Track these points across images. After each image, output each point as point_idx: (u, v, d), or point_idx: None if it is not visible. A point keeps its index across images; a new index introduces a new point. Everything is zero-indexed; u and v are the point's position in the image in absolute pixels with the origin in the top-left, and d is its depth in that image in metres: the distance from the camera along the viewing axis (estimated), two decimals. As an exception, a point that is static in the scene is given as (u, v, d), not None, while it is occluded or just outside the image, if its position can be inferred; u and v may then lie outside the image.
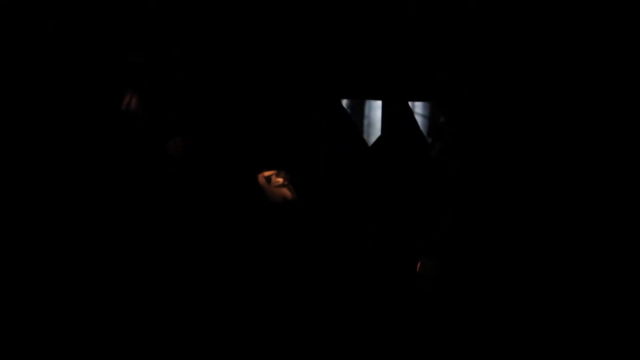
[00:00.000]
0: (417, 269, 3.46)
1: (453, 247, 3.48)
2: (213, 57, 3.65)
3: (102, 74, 3.57)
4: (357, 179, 3.60)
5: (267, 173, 3.58)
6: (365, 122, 3.87)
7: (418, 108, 3.87)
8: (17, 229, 3.43)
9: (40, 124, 3.50)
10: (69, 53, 3.55)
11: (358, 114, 3.90)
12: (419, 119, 3.82)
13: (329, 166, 3.59)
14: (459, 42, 3.70)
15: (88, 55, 3.57)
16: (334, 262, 3.46)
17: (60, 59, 3.54)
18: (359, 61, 3.71)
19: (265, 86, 3.66)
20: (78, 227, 3.45)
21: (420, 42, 3.71)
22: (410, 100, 3.79)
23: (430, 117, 3.88)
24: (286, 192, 3.57)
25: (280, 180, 3.56)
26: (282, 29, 3.69)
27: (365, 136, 3.82)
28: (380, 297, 3.43)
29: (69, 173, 3.49)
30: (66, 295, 3.39)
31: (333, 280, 3.44)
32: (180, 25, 3.64)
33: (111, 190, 3.50)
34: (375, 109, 3.85)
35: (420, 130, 3.77)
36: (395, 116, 3.78)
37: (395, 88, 3.78)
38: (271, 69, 3.68)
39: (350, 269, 3.46)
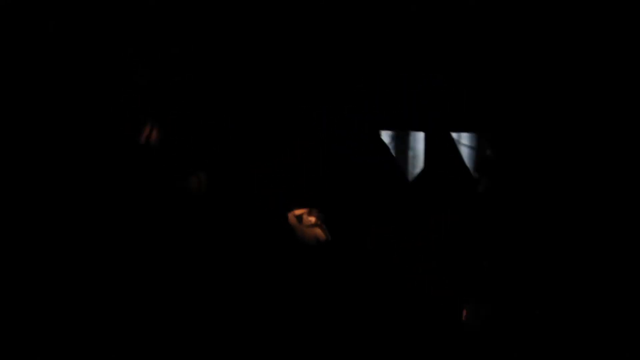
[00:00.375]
0: (464, 317, 3.39)
1: (453, 247, 3.48)
2: (213, 57, 3.65)
3: (102, 74, 3.56)
4: (357, 179, 3.59)
5: (298, 212, 3.45)
6: (410, 153, 3.75)
7: (465, 139, 3.73)
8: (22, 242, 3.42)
9: (40, 125, 3.50)
10: (69, 53, 3.55)
11: (402, 145, 3.78)
12: (465, 151, 3.69)
13: (329, 166, 3.59)
14: (459, 42, 3.70)
15: (88, 56, 3.56)
16: (334, 262, 3.46)
17: (60, 59, 3.54)
18: (356, 61, 3.72)
19: (265, 86, 3.66)
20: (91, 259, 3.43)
21: (420, 42, 3.71)
22: (455, 131, 3.69)
23: (478, 148, 3.73)
24: (319, 232, 3.45)
25: (313, 219, 3.44)
26: (282, 30, 3.69)
27: (410, 169, 3.74)
28: (380, 297, 3.43)
29: (69, 177, 3.48)
30: (66, 300, 3.39)
31: (333, 280, 3.44)
32: (180, 26, 3.64)
33: (124, 222, 3.43)
34: (421, 141, 3.73)
35: (466, 165, 3.65)
36: (440, 149, 3.64)
37: (438, 119, 3.66)
38: (271, 69, 3.68)
39: (350, 269, 3.46)
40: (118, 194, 3.42)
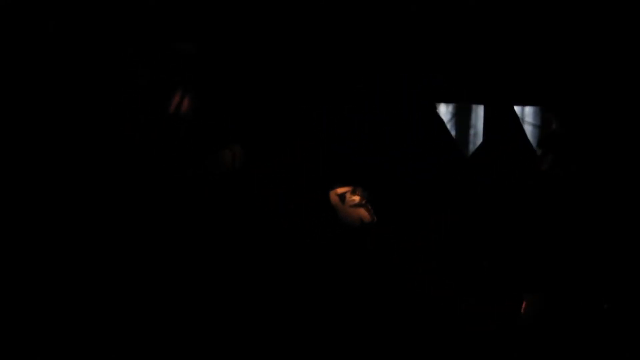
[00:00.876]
0: (522, 310, 3.22)
1: (453, 247, 3.48)
2: (213, 57, 3.65)
3: (102, 74, 3.56)
4: (357, 178, 3.59)
5: (340, 190, 3.29)
6: (472, 132, 3.59)
7: (528, 116, 3.50)
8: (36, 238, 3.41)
9: (41, 125, 3.50)
10: (69, 53, 3.55)
11: (464, 123, 3.62)
12: (528, 129, 3.49)
13: (329, 166, 3.59)
14: (459, 42, 3.70)
15: (88, 56, 3.56)
16: (334, 262, 3.46)
17: (60, 59, 3.54)
18: (356, 61, 3.72)
19: (266, 86, 3.66)
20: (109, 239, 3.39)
21: (420, 42, 3.71)
22: (517, 105, 3.48)
23: (542, 125, 3.51)
24: (363, 212, 3.28)
25: (357, 198, 3.28)
26: (282, 30, 3.69)
27: (471, 146, 3.61)
28: (380, 298, 3.43)
29: (68, 177, 3.48)
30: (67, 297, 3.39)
31: (333, 280, 3.44)
32: (180, 26, 3.64)
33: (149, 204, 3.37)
34: (482, 119, 3.56)
35: (528, 140, 3.43)
36: (500, 123, 3.44)
37: (499, 91, 3.48)
38: (272, 69, 3.68)
39: (350, 269, 3.46)
40: (119, 194, 3.43)
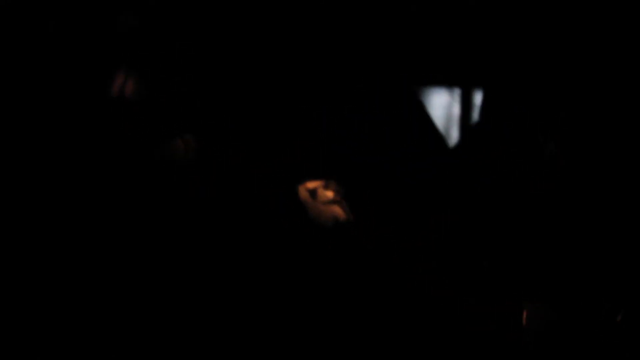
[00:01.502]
0: (524, 321, 2.97)
1: (453, 247, 3.48)
2: (213, 57, 3.65)
3: (103, 75, 3.57)
4: (357, 179, 3.60)
5: (310, 185, 2.99)
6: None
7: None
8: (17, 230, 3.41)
9: (40, 124, 3.50)
10: (69, 53, 3.56)
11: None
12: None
13: (329, 166, 3.59)
14: (459, 42, 3.70)
15: (89, 56, 3.57)
16: (334, 262, 3.46)
17: (60, 59, 3.55)
18: (356, 61, 3.72)
19: (265, 86, 3.67)
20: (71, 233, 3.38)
21: (420, 42, 3.71)
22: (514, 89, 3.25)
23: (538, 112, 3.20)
24: (337, 210, 2.99)
25: (330, 194, 2.99)
26: (282, 30, 3.69)
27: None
28: (380, 298, 3.43)
29: (68, 175, 3.48)
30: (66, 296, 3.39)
31: (332, 280, 3.44)
32: (181, 25, 3.64)
33: (106, 199, 3.34)
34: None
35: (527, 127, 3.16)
36: (492, 107, 3.22)
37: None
38: (271, 69, 3.68)
39: (349, 269, 3.46)
40: (115, 192, 3.43)
